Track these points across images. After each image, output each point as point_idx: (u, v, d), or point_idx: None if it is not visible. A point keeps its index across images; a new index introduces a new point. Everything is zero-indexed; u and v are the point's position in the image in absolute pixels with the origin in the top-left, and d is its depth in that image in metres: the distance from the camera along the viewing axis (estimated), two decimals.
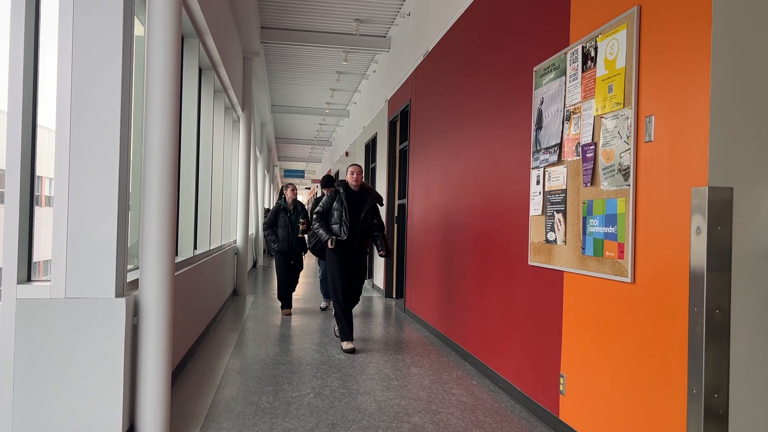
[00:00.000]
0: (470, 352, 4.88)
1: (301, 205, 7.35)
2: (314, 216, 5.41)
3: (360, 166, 5.43)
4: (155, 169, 3.00)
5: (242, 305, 7.91)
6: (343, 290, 5.31)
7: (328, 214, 5.39)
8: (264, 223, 7.14)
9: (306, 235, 7.08)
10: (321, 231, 5.32)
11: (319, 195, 7.48)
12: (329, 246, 5.26)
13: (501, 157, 4.35)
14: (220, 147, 7.65)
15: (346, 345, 5.23)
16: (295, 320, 6.75)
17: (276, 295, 8.63)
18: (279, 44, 9.04)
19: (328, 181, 7.30)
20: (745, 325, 2.23)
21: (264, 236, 7.19)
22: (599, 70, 2.97)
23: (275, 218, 7.13)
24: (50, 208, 2.92)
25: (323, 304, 7.69)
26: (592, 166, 3.00)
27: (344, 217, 5.26)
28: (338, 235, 5.25)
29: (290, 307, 7.24)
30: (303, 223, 7.11)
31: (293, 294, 7.58)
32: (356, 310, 7.73)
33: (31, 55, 2.96)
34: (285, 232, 7.11)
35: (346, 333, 5.29)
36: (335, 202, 5.36)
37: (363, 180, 5.36)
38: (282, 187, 7.36)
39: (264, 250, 15.73)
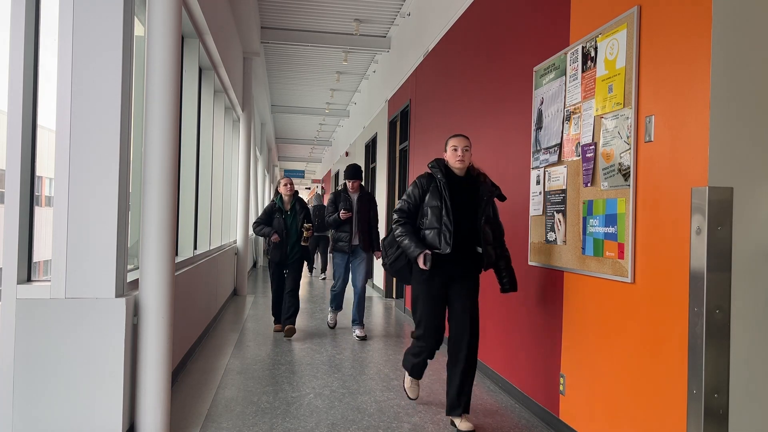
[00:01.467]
0: None
1: (303, 203, 5.94)
2: (395, 216, 3.49)
3: (468, 139, 3.46)
4: (155, 169, 3.00)
5: (242, 305, 7.91)
6: (436, 330, 3.41)
7: (417, 214, 3.45)
8: (254, 222, 5.88)
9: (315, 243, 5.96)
10: (407, 241, 3.35)
11: (321, 192, 6.63)
12: (421, 265, 3.29)
13: (501, 157, 4.35)
14: (220, 147, 7.64)
15: (410, 386, 3.76)
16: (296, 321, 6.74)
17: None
18: (279, 44, 9.04)
19: (354, 173, 5.87)
20: (745, 325, 2.23)
21: (255, 232, 5.82)
22: (599, 70, 2.97)
23: (268, 218, 5.80)
24: (50, 208, 2.92)
25: (331, 320, 6.30)
26: (592, 166, 3.00)
27: (446, 219, 3.30)
28: (437, 248, 3.31)
29: (284, 324, 5.83)
30: (308, 230, 5.76)
31: (296, 319, 6.09)
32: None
33: (31, 55, 2.96)
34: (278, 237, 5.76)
35: (419, 369, 3.67)
36: (429, 195, 3.38)
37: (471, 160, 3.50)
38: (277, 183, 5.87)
39: (264, 250, 15.72)
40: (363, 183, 6.08)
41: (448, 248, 3.28)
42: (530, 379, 3.73)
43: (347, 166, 5.95)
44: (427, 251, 3.29)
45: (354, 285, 5.96)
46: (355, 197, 5.91)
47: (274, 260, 5.80)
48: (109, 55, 2.89)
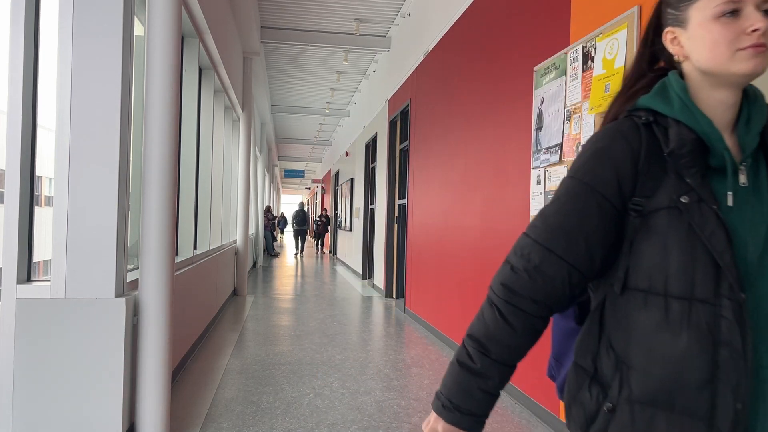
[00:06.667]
0: None
1: None
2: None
3: None
4: (155, 169, 3.00)
5: (242, 305, 7.91)
6: None
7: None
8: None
9: None
10: None
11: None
12: None
13: (501, 157, 4.35)
14: (220, 147, 7.64)
15: None
16: (295, 320, 6.75)
17: None
18: (279, 44, 9.04)
19: None
20: None
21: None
22: (596, 69, 2.97)
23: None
24: (50, 208, 2.92)
25: None
26: None
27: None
28: None
29: None
30: None
31: None
32: (356, 312, 7.69)
33: (31, 55, 2.96)
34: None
35: None
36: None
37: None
38: None
39: (264, 251, 15.70)
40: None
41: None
42: (531, 379, 3.73)
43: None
44: None
45: None
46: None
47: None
48: (109, 54, 2.89)
